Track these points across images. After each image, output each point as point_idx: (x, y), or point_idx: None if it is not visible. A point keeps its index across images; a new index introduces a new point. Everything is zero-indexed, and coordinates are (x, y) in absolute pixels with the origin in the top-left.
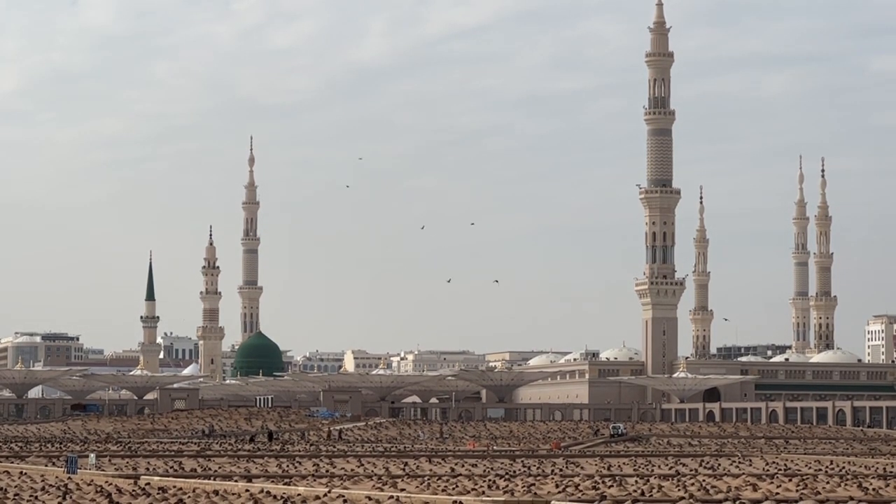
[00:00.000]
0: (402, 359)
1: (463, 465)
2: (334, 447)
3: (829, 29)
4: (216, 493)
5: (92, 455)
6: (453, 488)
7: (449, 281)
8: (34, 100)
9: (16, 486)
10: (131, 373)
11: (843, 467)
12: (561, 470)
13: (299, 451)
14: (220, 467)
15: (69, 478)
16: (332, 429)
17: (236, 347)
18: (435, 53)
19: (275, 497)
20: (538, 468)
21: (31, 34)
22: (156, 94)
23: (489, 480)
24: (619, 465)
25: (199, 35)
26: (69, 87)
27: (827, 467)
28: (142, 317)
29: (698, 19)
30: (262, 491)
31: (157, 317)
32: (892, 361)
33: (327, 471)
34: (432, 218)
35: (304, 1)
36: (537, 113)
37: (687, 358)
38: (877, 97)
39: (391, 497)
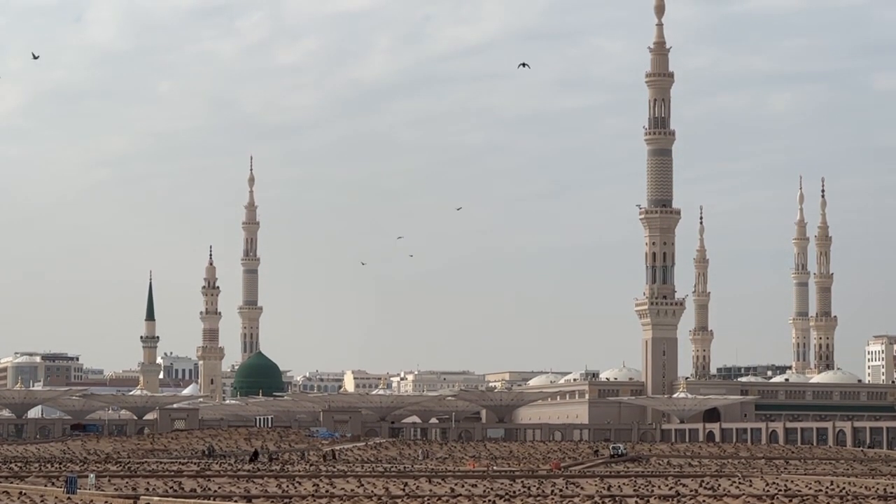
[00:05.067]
0: (401, 379)
1: (463, 486)
2: (334, 467)
3: (832, 47)
4: None
5: (91, 475)
6: None
7: None
8: (37, 117)
9: None
10: (131, 393)
11: (844, 488)
12: (561, 490)
13: (299, 471)
14: (219, 487)
15: (69, 498)
16: (329, 449)
17: (236, 367)
18: (438, 71)
19: None
20: (538, 489)
21: (34, 51)
22: (159, 111)
23: (489, 501)
24: (619, 486)
25: (203, 52)
26: (72, 105)
27: (827, 488)
28: (142, 337)
29: (702, 37)
30: None
31: (157, 337)
32: (893, 382)
33: (327, 491)
34: (434, 237)
35: (309, 19)
36: (540, 131)
37: (687, 378)
38: (880, 116)
39: None
